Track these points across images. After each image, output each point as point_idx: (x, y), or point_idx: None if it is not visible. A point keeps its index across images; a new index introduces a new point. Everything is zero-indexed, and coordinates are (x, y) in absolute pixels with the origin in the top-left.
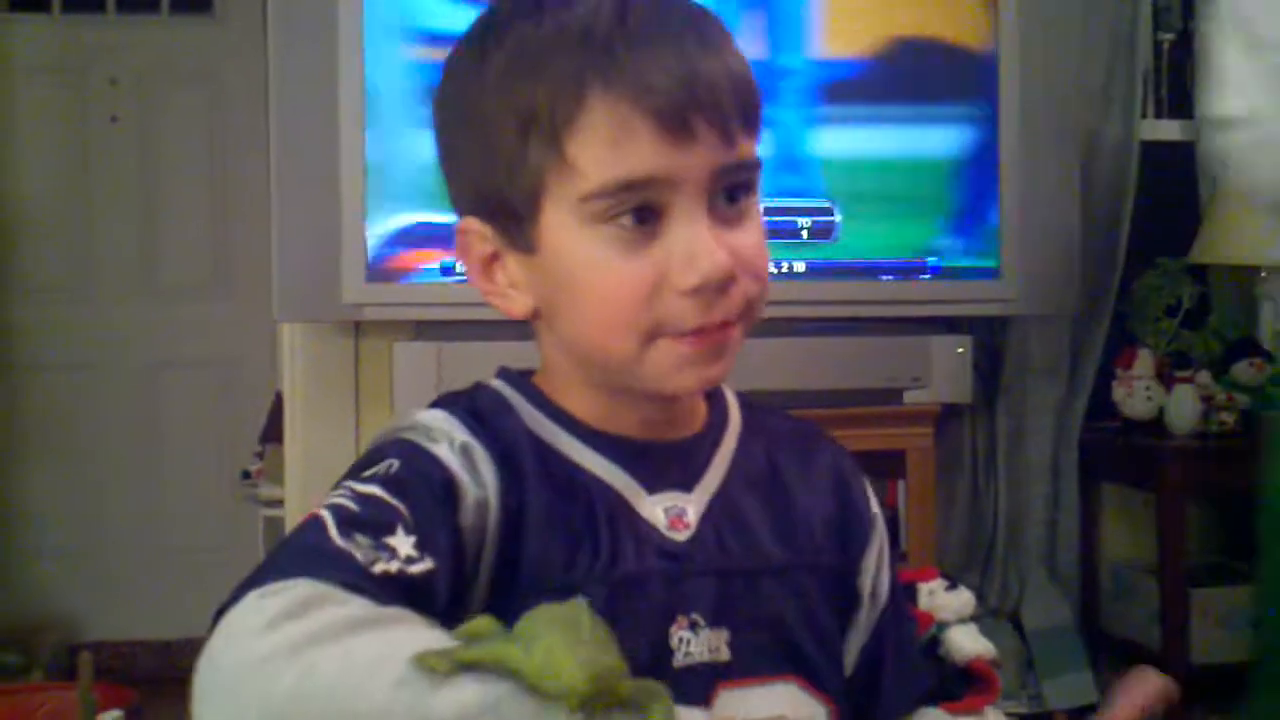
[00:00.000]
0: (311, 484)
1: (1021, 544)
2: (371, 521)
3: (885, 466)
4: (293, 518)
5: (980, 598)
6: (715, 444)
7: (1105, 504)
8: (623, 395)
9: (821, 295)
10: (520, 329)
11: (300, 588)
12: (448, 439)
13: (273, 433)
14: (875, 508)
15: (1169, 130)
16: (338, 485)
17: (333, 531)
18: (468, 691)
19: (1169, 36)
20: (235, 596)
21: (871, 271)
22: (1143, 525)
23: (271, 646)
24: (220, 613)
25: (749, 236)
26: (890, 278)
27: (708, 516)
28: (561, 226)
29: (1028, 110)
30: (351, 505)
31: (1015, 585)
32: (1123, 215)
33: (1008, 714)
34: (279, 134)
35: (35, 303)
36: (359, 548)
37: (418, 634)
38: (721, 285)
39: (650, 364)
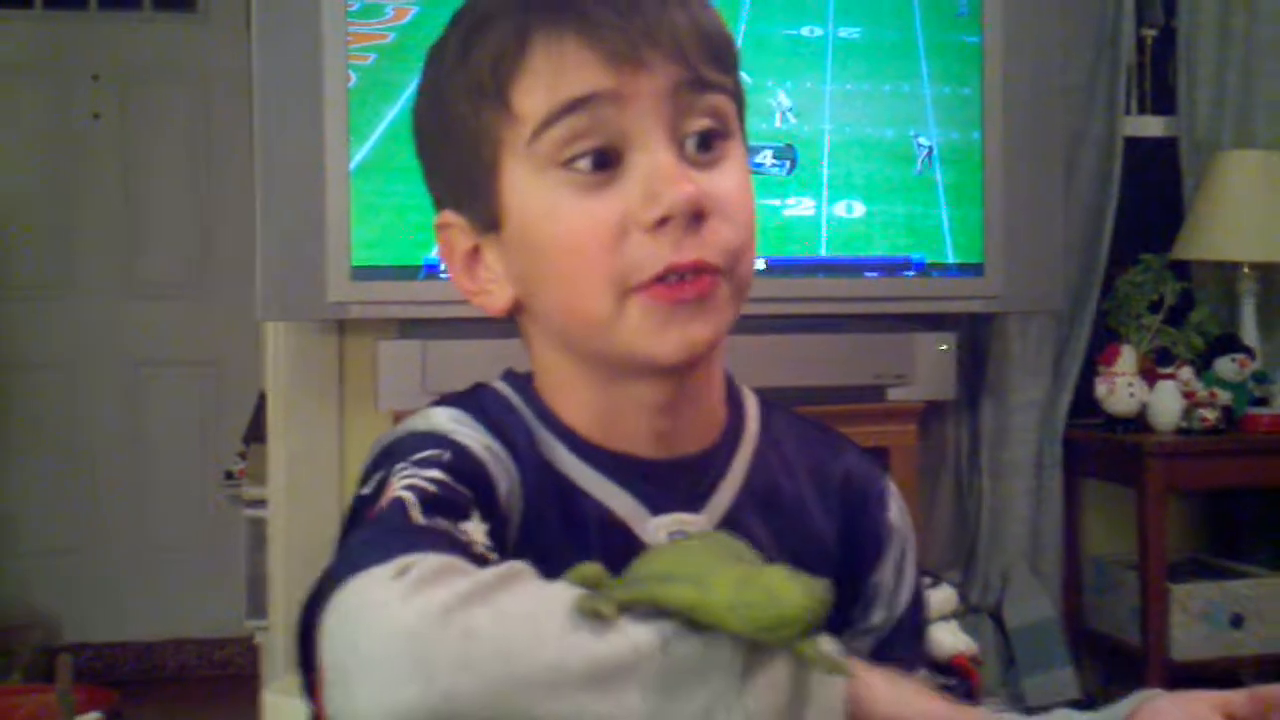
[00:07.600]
0: (295, 484)
1: (1004, 540)
2: (448, 504)
3: None
4: (276, 518)
5: (962, 595)
6: (729, 458)
7: (1087, 500)
8: (622, 396)
9: (806, 292)
10: (506, 327)
11: (428, 560)
12: (469, 435)
13: (256, 432)
14: (894, 519)
15: (1152, 126)
16: (386, 471)
17: (416, 513)
18: (638, 632)
19: (1152, 32)
20: (339, 580)
21: (856, 268)
22: (1125, 521)
23: (418, 614)
24: (312, 604)
25: (726, 179)
26: (874, 275)
27: None
28: (518, 183)
29: (1011, 106)
30: (427, 486)
31: (997, 582)
32: (1106, 212)
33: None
34: (263, 131)
35: (16, 300)
36: (444, 532)
37: (555, 586)
38: (690, 221)
39: (627, 327)
